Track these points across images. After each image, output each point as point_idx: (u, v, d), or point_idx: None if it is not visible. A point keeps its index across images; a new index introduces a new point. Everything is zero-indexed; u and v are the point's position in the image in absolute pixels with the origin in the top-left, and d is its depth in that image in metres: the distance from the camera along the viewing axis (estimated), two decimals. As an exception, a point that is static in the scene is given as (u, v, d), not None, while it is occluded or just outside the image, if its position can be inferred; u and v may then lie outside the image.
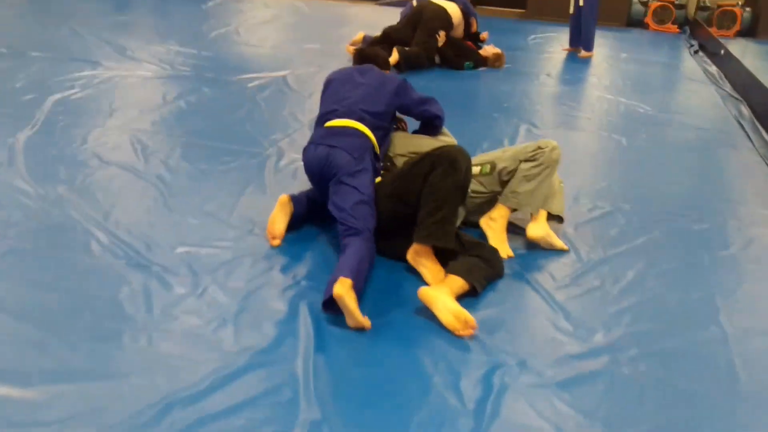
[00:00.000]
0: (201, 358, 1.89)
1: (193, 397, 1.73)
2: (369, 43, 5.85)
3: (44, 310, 2.06)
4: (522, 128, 4.24)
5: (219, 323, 2.06)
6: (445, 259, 2.42)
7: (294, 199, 2.64)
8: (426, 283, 2.35)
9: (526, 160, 2.73)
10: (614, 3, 8.43)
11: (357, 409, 1.76)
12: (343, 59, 5.61)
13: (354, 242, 2.33)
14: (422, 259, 2.41)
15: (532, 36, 7.64)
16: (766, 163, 3.94)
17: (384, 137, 2.76)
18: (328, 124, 2.66)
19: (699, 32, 8.27)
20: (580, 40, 6.66)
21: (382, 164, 2.67)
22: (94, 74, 4.58)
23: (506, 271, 2.49)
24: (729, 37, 8.25)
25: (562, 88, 5.42)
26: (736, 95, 5.46)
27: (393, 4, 8.40)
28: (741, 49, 7.24)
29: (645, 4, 8.94)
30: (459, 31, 5.82)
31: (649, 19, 8.83)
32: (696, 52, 7.44)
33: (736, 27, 8.59)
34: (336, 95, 2.76)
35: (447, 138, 3.06)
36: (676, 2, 8.85)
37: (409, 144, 2.89)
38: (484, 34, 6.16)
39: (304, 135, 3.61)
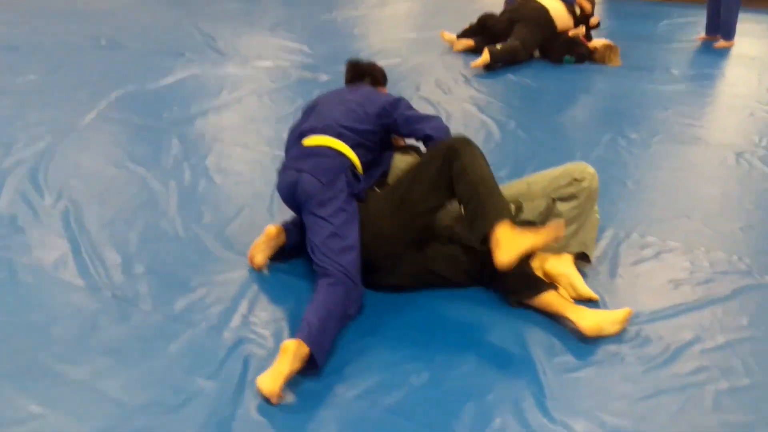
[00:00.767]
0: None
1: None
2: (464, 31, 5.48)
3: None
4: (605, 138, 3.68)
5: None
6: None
7: (287, 229, 2.41)
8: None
9: (563, 199, 2.30)
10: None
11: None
12: (436, 49, 5.28)
13: (322, 289, 2.05)
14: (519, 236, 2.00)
15: (665, 21, 6.73)
16: None
17: (373, 158, 2.46)
18: (304, 141, 2.39)
19: None
20: (720, 26, 5.73)
21: (363, 186, 2.35)
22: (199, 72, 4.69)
23: (497, 334, 2.13)
24: None
25: (683, 88, 4.64)
26: None
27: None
28: None
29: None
30: (566, 27, 5.23)
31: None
32: None
33: None
34: (319, 113, 2.49)
35: None
36: None
37: (404, 162, 2.55)
38: (594, 19, 5.48)
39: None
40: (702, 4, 6.79)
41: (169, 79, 4.52)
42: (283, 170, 2.39)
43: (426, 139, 2.52)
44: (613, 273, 2.44)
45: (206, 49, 5.28)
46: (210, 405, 1.78)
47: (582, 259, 2.38)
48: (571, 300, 2.18)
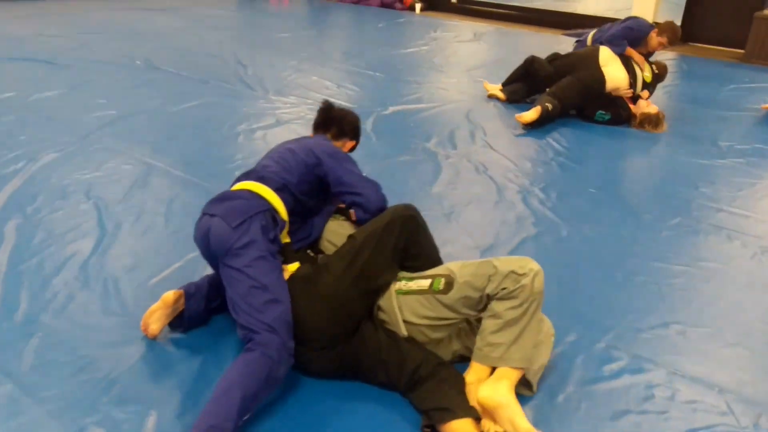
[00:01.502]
0: None
1: None
2: (508, 78, 5.18)
3: None
4: (613, 216, 3.28)
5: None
6: None
7: (188, 295, 2.18)
8: None
9: (500, 298, 1.94)
10: None
11: None
12: (464, 96, 5.00)
13: (243, 357, 1.83)
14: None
15: (732, 85, 6.15)
16: None
17: (302, 210, 2.27)
18: (233, 187, 2.23)
19: None
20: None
21: (279, 232, 2.12)
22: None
23: None
24: None
25: (726, 164, 4.14)
26: None
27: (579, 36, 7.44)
28: None
29: None
30: (615, 90, 4.83)
31: None
32: None
33: None
34: (260, 161, 2.34)
35: None
36: None
37: (340, 228, 2.33)
38: (644, 94, 4.97)
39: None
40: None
41: (183, 105, 4.48)
42: (199, 219, 2.19)
43: (354, 207, 2.28)
44: (566, 395, 2.06)
45: (232, 78, 5.24)
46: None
47: (525, 385, 2.01)
48: None
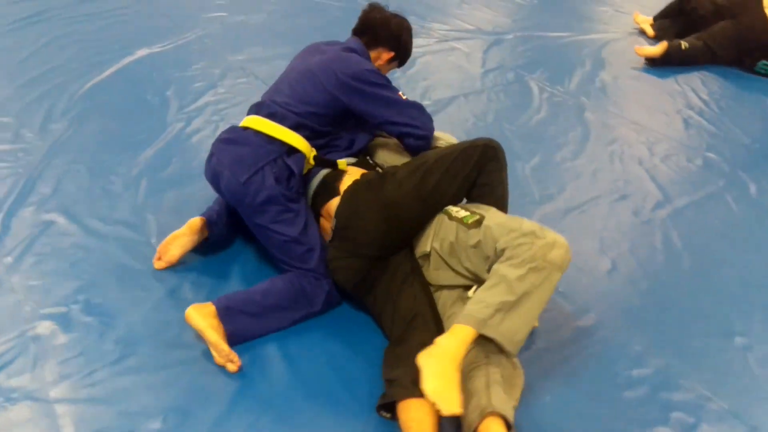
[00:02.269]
0: None
1: None
2: (661, 12, 4.44)
3: None
4: (719, 183, 2.65)
5: None
6: None
7: (211, 222, 2.05)
8: None
9: (508, 258, 1.59)
10: None
11: None
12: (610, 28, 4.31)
13: (280, 277, 1.88)
14: None
15: None
16: None
17: (335, 131, 2.04)
18: (242, 122, 2.02)
19: None
20: None
21: (298, 171, 1.93)
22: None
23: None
24: None
25: None
26: None
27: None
28: None
29: None
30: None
31: None
32: None
33: None
34: (276, 81, 2.08)
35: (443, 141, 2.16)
36: None
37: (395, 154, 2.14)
38: None
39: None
40: None
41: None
42: (208, 157, 2.02)
43: (403, 138, 2.03)
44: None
45: None
46: None
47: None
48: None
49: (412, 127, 2.01)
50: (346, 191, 1.86)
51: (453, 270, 1.80)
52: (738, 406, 1.73)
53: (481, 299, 1.55)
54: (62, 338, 1.79)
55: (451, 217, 1.81)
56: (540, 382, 1.75)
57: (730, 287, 2.17)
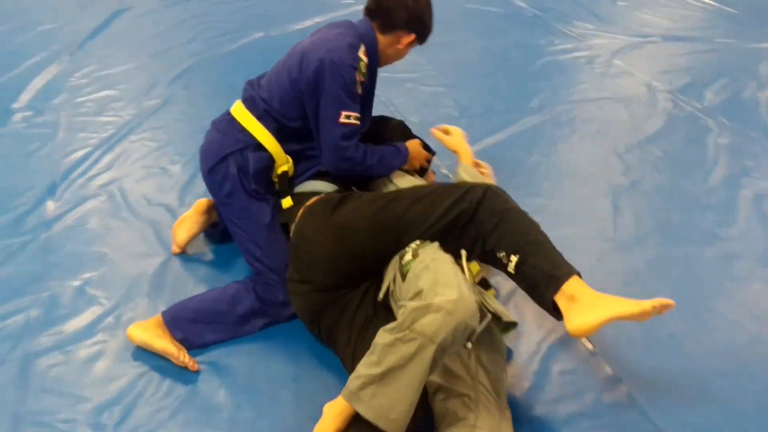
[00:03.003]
0: None
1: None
2: None
3: None
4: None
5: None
6: None
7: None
8: None
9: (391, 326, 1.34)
10: None
11: None
12: None
13: (236, 283, 1.82)
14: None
15: None
16: None
17: (306, 151, 1.89)
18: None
19: None
20: None
21: (254, 169, 1.81)
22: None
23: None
24: None
25: None
26: None
27: None
28: None
29: None
30: None
31: None
32: None
33: None
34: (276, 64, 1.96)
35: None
36: None
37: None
38: None
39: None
40: None
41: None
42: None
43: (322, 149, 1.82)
44: None
45: None
46: None
47: None
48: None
49: (322, 157, 1.83)
50: (304, 207, 1.69)
51: None
52: None
53: (358, 366, 1.33)
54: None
55: (402, 256, 1.53)
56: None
57: None
